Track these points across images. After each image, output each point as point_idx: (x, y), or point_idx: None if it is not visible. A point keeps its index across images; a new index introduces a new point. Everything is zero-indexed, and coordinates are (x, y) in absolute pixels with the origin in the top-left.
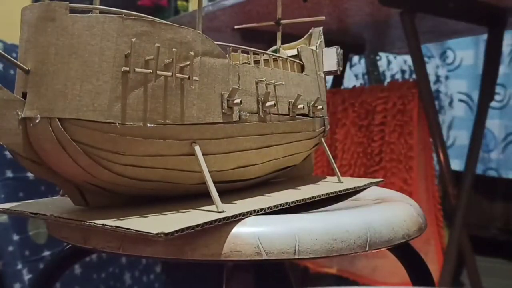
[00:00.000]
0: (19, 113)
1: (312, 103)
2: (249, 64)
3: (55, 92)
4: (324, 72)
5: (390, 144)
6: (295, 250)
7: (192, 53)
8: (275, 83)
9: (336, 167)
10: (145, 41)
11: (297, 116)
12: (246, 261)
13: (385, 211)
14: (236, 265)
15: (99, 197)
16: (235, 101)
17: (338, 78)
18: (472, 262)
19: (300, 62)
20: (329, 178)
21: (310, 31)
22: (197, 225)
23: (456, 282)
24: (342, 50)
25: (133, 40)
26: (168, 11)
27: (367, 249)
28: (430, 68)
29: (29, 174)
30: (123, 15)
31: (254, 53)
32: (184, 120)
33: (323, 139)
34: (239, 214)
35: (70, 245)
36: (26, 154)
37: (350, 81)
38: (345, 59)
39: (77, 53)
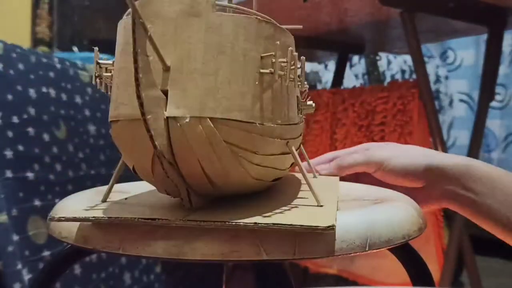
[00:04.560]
0: (164, 112)
1: None
2: None
3: (205, 91)
4: None
5: None
6: (295, 250)
7: (295, 55)
8: None
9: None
10: (272, 44)
11: None
12: (246, 261)
13: (385, 211)
14: (236, 265)
15: (200, 199)
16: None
17: (338, 78)
18: (472, 262)
19: None
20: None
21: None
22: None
23: (456, 282)
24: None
25: (266, 42)
26: None
27: (367, 249)
28: (430, 68)
29: (29, 174)
30: (259, 17)
31: None
32: (290, 121)
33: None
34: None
35: (70, 245)
36: (168, 155)
37: (350, 81)
38: (345, 59)
39: (225, 52)
